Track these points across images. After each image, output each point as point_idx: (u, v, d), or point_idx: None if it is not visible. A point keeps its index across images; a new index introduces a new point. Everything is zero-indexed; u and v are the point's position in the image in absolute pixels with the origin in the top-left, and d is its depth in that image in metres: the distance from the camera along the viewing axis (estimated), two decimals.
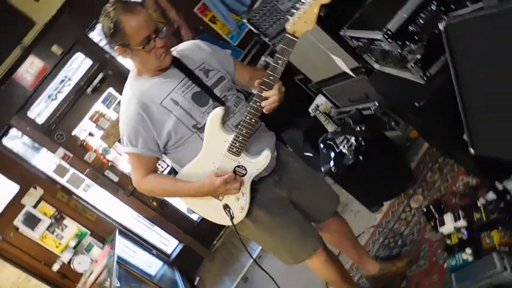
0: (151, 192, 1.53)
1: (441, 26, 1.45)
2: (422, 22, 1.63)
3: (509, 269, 1.43)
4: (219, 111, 1.42)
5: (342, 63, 2.14)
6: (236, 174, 1.46)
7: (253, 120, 1.38)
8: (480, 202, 1.76)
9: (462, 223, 1.75)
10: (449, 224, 1.79)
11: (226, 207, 1.50)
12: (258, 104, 1.37)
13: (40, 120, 3.87)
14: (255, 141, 1.48)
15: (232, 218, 1.50)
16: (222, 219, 1.55)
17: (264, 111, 1.38)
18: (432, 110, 1.67)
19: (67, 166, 3.93)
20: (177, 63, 1.50)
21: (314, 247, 1.60)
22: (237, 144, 1.41)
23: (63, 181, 3.97)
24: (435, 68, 1.66)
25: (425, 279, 1.82)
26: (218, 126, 1.42)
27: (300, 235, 1.60)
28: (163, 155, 1.55)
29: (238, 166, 1.45)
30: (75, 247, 3.86)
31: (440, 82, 1.63)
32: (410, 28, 1.63)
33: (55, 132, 3.85)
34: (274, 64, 1.33)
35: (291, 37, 1.30)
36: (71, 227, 3.88)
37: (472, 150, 1.55)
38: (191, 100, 1.46)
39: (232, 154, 1.43)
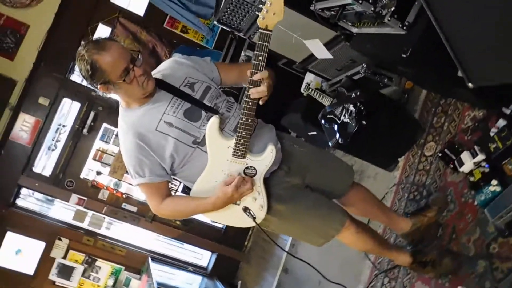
0: (171, 216, 1.57)
1: None
2: None
3: None
4: (214, 120, 1.43)
5: (317, 45, 2.11)
6: (246, 175, 1.47)
7: (249, 120, 1.38)
8: (492, 131, 1.75)
9: (480, 157, 1.75)
10: (468, 162, 1.79)
11: (246, 209, 1.51)
12: (249, 103, 1.37)
13: (47, 173, 3.90)
14: (256, 139, 1.50)
15: (254, 218, 1.51)
16: (245, 222, 1.56)
17: (260, 102, 1.38)
18: (420, 56, 1.67)
19: (84, 209, 3.95)
20: (161, 84, 1.51)
21: (340, 222, 1.61)
22: (240, 147, 1.42)
23: (84, 225, 4.00)
24: (412, 14, 1.66)
25: (460, 222, 1.82)
26: (217, 134, 1.43)
27: (323, 214, 1.61)
28: (173, 176, 1.56)
29: (247, 168, 1.46)
30: (114, 285, 3.90)
31: (421, 27, 1.63)
32: None
33: (64, 181, 3.88)
34: (256, 62, 1.33)
35: (264, 31, 1.31)
36: (105, 267, 3.92)
37: (470, 84, 1.54)
38: (184, 118, 1.47)
39: (238, 157, 1.44)
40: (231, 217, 1.57)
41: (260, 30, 1.31)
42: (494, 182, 1.63)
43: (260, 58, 1.32)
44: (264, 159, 1.47)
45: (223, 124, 1.48)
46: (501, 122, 1.73)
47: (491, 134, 1.75)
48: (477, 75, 1.51)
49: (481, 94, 1.71)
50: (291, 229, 1.67)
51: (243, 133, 1.40)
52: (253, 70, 1.34)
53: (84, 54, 1.37)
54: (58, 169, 3.87)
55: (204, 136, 1.45)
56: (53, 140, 3.92)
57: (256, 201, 1.51)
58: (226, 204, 1.47)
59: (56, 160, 3.89)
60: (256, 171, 1.47)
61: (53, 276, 3.78)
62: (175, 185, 3.39)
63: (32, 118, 3.75)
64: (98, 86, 1.42)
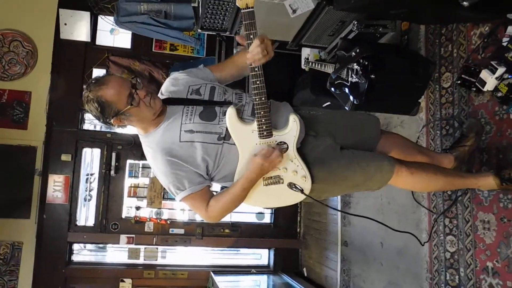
0: (222, 213, 1.54)
1: None
2: None
3: None
4: (231, 110, 1.46)
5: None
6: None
7: (263, 98, 1.40)
8: (505, 41, 1.70)
9: (500, 70, 1.69)
10: (490, 79, 1.74)
11: (290, 185, 1.52)
12: (257, 82, 1.39)
13: (90, 223, 4.04)
14: (275, 116, 1.51)
15: (302, 191, 1.51)
16: (295, 198, 1.56)
17: (253, 64, 1.38)
18: None
19: (136, 246, 4.08)
20: (169, 101, 1.56)
21: (390, 163, 1.56)
22: (264, 127, 1.44)
23: (141, 261, 4.12)
24: None
25: (502, 140, 1.78)
26: (238, 122, 1.46)
27: (370, 161, 1.57)
28: (212, 182, 1.58)
29: (278, 144, 1.48)
30: None
31: None
32: None
33: (108, 225, 4.01)
34: (249, 42, 1.35)
35: (247, 10, 1.33)
36: None
37: (464, 3, 1.50)
38: (201, 120, 1.50)
39: (265, 137, 1.46)
40: (279, 198, 1.57)
41: (242, 11, 1.33)
42: None
43: (251, 36, 1.35)
44: (291, 130, 1.48)
45: (240, 112, 1.50)
46: (511, 29, 1.67)
47: (504, 43, 1.69)
48: None
49: (480, 9, 1.66)
50: (344, 187, 1.62)
51: (261, 112, 1.42)
52: (248, 49, 1.35)
53: (89, 95, 1.44)
54: (100, 216, 4.00)
55: (227, 130, 1.47)
56: (86, 191, 4.07)
57: (298, 173, 1.51)
58: (261, 175, 1.47)
59: (95, 208, 4.02)
60: (287, 145, 1.48)
61: None
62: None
63: (61, 176, 3.90)
64: (112, 121, 1.46)
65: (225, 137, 1.49)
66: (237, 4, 1.33)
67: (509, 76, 1.66)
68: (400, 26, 2.53)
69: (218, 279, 3.84)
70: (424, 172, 1.61)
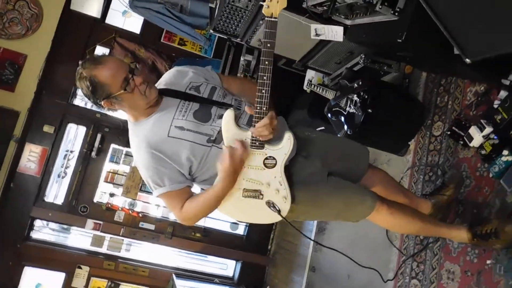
0: (195, 216, 1.52)
1: None
2: None
3: None
4: (229, 113, 1.42)
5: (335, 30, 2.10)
6: (266, 167, 1.46)
7: (264, 109, 1.37)
8: (496, 103, 1.78)
9: (488, 130, 1.76)
10: (477, 136, 1.80)
11: (269, 203, 1.49)
12: (262, 91, 1.36)
13: (59, 201, 3.87)
14: None
15: (279, 211, 1.50)
16: (270, 217, 1.54)
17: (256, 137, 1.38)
18: (416, 39, 1.70)
19: (102, 234, 3.90)
20: (166, 92, 1.52)
21: (372, 199, 1.58)
22: (257, 138, 1.42)
23: (103, 250, 3.94)
24: (402, 0, 1.69)
25: (478, 195, 1.84)
26: (234, 126, 1.42)
27: (354, 193, 1.59)
28: (194, 184, 1.56)
29: (266, 158, 1.45)
30: None
31: (411, 10, 1.66)
32: None
33: (77, 207, 3.84)
34: (265, 50, 1.34)
35: (271, 19, 1.33)
36: None
37: (467, 60, 1.56)
38: (194, 119, 1.48)
39: (256, 148, 1.43)
40: (254, 214, 1.55)
41: (266, 18, 1.33)
42: (505, 152, 1.65)
43: (268, 45, 1.34)
44: (283, 148, 1.45)
45: (237, 118, 1.45)
46: (503, 93, 1.75)
47: (495, 106, 1.77)
48: (472, 50, 1.54)
49: (479, 69, 1.73)
50: (323, 212, 1.63)
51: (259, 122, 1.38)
52: (263, 58, 1.35)
53: (82, 72, 1.39)
54: (71, 196, 3.84)
55: (218, 133, 1.45)
56: (62, 167, 3.89)
57: (279, 192, 1.49)
58: (233, 177, 1.43)
59: (68, 187, 3.86)
60: (276, 161, 1.46)
61: None
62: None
63: (39, 147, 3.73)
64: (102, 103, 1.42)
65: (215, 140, 1.47)
66: (263, 11, 1.33)
67: (495, 137, 1.73)
68: (404, 68, 2.62)
69: (179, 282, 3.77)
70: (402, 214, 1.63)
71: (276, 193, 1.50)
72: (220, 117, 1.46)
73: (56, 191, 3.90)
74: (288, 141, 1.46)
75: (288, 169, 1.52)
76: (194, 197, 1.51)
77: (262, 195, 1.50)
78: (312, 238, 3.25)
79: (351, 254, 1.68)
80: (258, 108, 1.37)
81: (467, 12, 1.43)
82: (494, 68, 1.71)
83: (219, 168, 1.42)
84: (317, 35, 2.02)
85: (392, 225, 1.69)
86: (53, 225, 3.98)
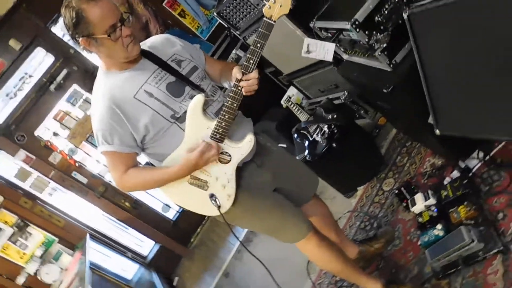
0: (134, 187, 1.48)
1: (404, 14, 1.53)
2: (387, 12, 1.70)
3: (476, 240, 1.54)
4: (200, 97, 1.41)
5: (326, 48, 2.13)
6: (220, 161, 1.46)
7: (235, 105, 1.38)
8: (446, 180, 1.88)
9: (431, 201, 1.86)
10: (420, 204, 1.90)
11: (212, 196, 1.49)
12: (239, 88, 1.37)
13: None
14: (235, 127, 1.49)
15: (219, 207, 1.49)
16: (208, 210, 1.53)
17: (243, 92, 1.39)
18: (399, 96, 1.76)
19: (30, 169, 3.69)
20: (148, 55, 1.48)
21: (308, 227, 1.60)
22: (220, 130, 1.41)
23: (25, 185, 3.73)
24: (401, 55, 1.75)
25: (402, 257, 1.92)
26: (200, 112, 1.41)
27: (288, 216, 1.60)
28: (142, 153, 1.51)
29: (222, 153, 1.45)
30: (41, 257, 3.61)
31: (406, 68, 1.72)
32: (376, 18, 1.70)
33: (15, 133, 3.60)
34: (254, 48, 1.35)
35: (268, 21, 1.33)
36: (37, 235, 3.60)
37: (437, 131, 1.65)
38: (166, 90, 1.43)
39: (216, 140, 1.42)
40: (194, 202, 1.53)
41: (264, 19, 1.33)
42: (439, 226, 1.73)
43: (258, 45, 1.34)
44: (242, 147, 1.46)
45: (206, 105, 1.45)
46: (455, 174, 1.86)
47: (445, 182, 1.88)
48: (445, 123, 1.62)
49: (444, 143, 1.83)
50: (256, 223, 1.64)
51: (226, 116, 1.39)
52: (249, 55, 1.36)
53: (71, 1, 1.31)
54: (12, 119, 3.60)
55: (184, 112, 1.42)
56: (14, 88, 3.64)
57: (225, 189, 1.49)
58: (190, 171, 1.43)
59: (13, 109, 3.61)
60: (231, 158, 1.46)
61: None
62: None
63: None
64: (80, 39, 1.34)
65: (179, 118, 1.44)
66: (263, 10, 1.34)
67: (435, 210, 1.82)
68: (378, 119, 2.71)
69: (91, 244, 3.62)
70: (329, 251, 1.66)
71: (222, 189, 1.49)
72: (192, 97, 1.44)
73: None
74: (248, 142, 1.47)
75: (238, 171, 1.51)
76: (142, 168, 1.48)
77: (208, 186, 1.50)
78: (236, 247, 3.26)
79: (272, 268, 1.69)
80: (230, 103, 1.38)
81: (454, 88, 1.51)
82: (457, 148, 1.81)
83: (184, 156, 1.40)
84: (308, 51, 2.01)
85: (316, 258, 1.72)
86: None
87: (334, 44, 2.00)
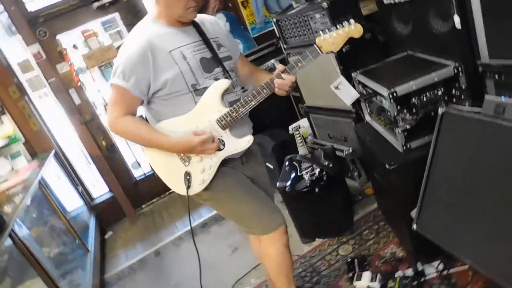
0: (124, 133, 1.47)
1: (440, 110, 1.56)
2: (425, 99, 1.74)
3: None
4: (226, 82, 1.47)
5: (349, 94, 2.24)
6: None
7: (253, 103, 1.45)
8: (399, 274, 1.89)
9: (376, 285, 1.87)
10: (365, 281, 1.91)
11: (187, 174, 1.49)
12: (264, 90, 1.45)
13: (31, 8, 3.59)
14: (239, 124, 1.54)
15: (188, 188, 1.50)
16: (177, 186, 1.54)
17: (275, 86, 1.45)
18: (396, 178, 1.78)
19: (35, 65, 3.64)
20: (196, 26, 1.54)
21: (283, 222, 1.61)
22: (228, 119, 1.47)
23: (22, 77, 3.67)
24: (417, 143, 1.78)
25: None
26: (219, 95, 1.47)
27: (267, 206, 1.63)
28: (147, 104, 1.52)
29: (219, 139, 1.49)
30: (1, 148, 3.56)
31: (415, 157, 1.75)
32: (413, 100, 1.74)
33: (39, 27, 3.59)
34: (294, 64, 1.45)
35: (318, 49, 1.44)
36: (7, 126, 3.53)
37: (414, 226, 1.67)
38: (199, 62, 1.48)
39: (219, 126, 1.48)
40: (169, 172, 1.54)
41: (314, 45, 1.44)
42: None
43: (299, 64, 1.45)
44: (239, 144, 1.51)
45: (227, 91, 1.50)
46: (410, 272, 1.88)
47: (396, 275, 1.89)
48: (424, 224, 1.65)
49: (414, 241, 1.85)
50: (229, 206, 1.63)
51: (240, 109, 1.46)
52: (288, 68, 1.46)
53: None
54: (45, 13, 3.57)
55: (204, 88, 1.46)
56: None
57: (203, 173, 1.50)
58: (184, 151, 1.47)
59: (50, 4, 3.58)
60: (223, 148, 1.50)
61: None
62: None
63: None
64: None
65: (197, 91, 1.47)
66: (316, 38, 1.43)
67: None
68: (366, 187, 2.73)
69: (52, 160, 3.55)
70: (289, 261, 1.70)
71: (200, 172, 1.51)
72: (216, 79, 1.49)
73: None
74: (246, 142, 1.52)
75: (223, 162, 1.54)
76: (140, 120, 1.49)
77: (188, 164, 1.51)
78: (182, 233, 3.23)
79: (203, 269, 1.68)
80: (248, 100, 1.45)
81: (447, 200, 1.54)
82: (423, 249, 1.82)
83: (187, 137, 1.43)
84: (336, 87, 2.20)
85: (280, 258, 1.66)
86: (5, 17, 3.57)
87: (358, 95, 2.15)
